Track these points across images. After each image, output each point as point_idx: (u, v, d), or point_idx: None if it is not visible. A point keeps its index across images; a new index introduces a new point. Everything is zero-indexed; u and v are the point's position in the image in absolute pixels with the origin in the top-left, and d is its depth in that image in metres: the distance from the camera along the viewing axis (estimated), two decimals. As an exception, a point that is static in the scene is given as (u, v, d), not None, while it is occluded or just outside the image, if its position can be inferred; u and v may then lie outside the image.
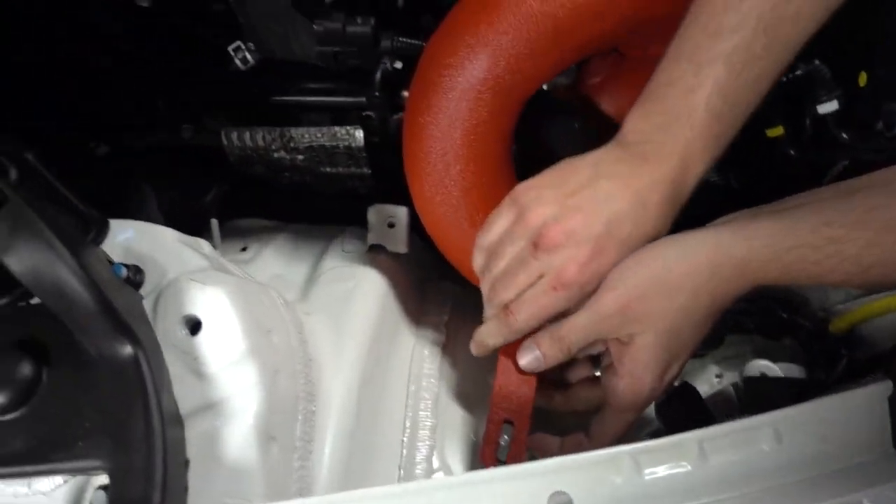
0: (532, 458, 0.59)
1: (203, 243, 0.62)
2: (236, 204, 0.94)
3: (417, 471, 0.63)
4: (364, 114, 0.82)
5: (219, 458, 0.50)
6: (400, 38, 0.70)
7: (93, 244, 0.55)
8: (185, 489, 0.48)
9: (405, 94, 0.80)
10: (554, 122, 0.79)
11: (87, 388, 0.48)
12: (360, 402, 0.62)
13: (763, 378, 0.71)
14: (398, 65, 0.74)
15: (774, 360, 0.83)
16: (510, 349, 0.61)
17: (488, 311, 0.62)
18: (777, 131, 0.85)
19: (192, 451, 0.49)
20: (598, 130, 0.82)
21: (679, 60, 0.56)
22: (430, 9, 0.81)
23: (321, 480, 0.57)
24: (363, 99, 0.79)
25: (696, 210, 0.83)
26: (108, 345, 0.47)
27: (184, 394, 0.50)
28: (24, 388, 0.47)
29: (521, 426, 0.61)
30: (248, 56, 0.75)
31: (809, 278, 0.53)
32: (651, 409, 0.69)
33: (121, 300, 0.49)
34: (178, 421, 0.49)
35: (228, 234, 0.82)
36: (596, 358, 0.62)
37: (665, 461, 0.49)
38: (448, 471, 0.64)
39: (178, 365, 0.51)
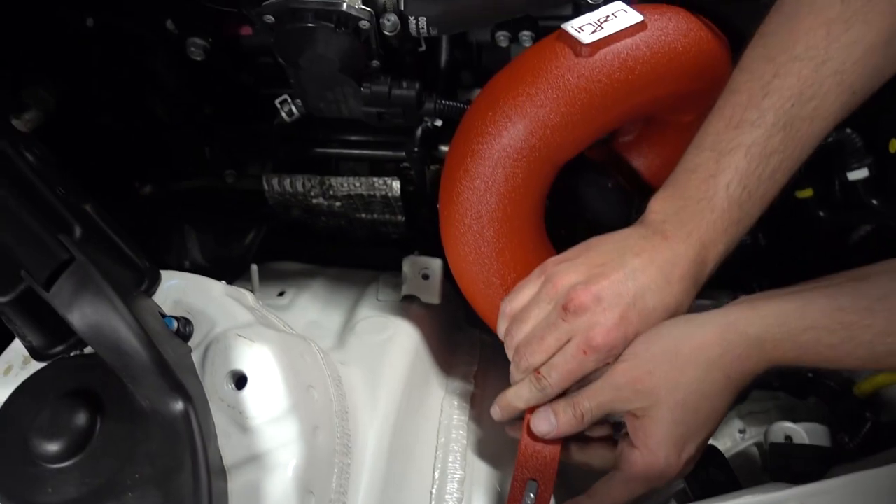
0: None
1: (247, 295, 0.64)
2: (273, 247, 0.96)
3: (445, 523, 0.64)
4: (402, 165, 0.85)
5: (259, 511, 0.51)
6: (443, 101, 0.72)
7: (146, 296, 0.58)
8: (227, 541, 0.50)
9: (443, 147, 0.83)
10: (586, 180, 0.81)
11: (138, 439, 0.50)
12: (391, 454, 0.64)
13: (789, 445, 0.71)
14: (438, 123, 0.77)
15: (798, 418, 0.84)
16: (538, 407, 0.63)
17: (515, 375, 0.64)
18: (807, 193, 0.86)
19: (234, 502, 0.51)
20: (628, 188, 0.84)
21: (702, 149, 0.59)
22: (469, 66, 0.84)
23: (353, 532, 0.58)
24: (402, 153, 0.81)
25: (724, 267, 0.85)
26: (161, 400, 0.49)
27: (228, 446, 0.52)
28: (79, 437, 0.50)
29: (546, 485, 0.62)
30: (294, 109, 0.78)
31: (826, 361, 0.54)
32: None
33: (171, 353, 0.52)
34: (222, 473, 0.51)
35: (266, 276, 0.85)
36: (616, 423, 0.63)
37: (692, 532, 0.50)
38: (475, 524, 0.65)
39: (224, 418, 0.53)
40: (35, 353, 0.56)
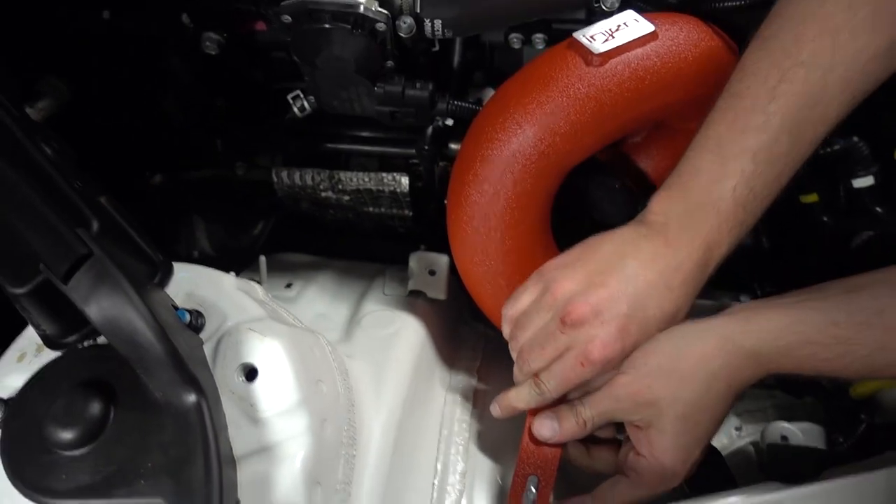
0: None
1: (257, 288, 0.65)
2: (281, 237, 0.98)
3: (447, 514, 0.66)
4: (411, 162, 0.86)
5: (268, 500, 0.53)
6: (455, 102, 0.73)
7: (159, 288, 0.59)
8: (236, 529, 0.51)
9: (452, 145, 0.83)
10: (593, 180, 0.82)
11: (151, 429, 0.51)
12: (395, 446, 0.65)
13: (785, 446, 0.72)
14: (449, 122, 0.78)
15: (794, 417, 0.85)
16: (541, 409, 0.64)
17: (518, 376, 0.65)
18: (811, 198, 0.87)
19: (244, 492, 0.52)
20: (635, 189, 0.85)
21: (705, 150, 0.59)
22: (481, 66, 0.85)
23: (358, 522, 0.60)
24: (412, 150, 0.82)
25: (727, 269, 0.86)
26: (174, 392, 0.50)
27: (238, 437, 0.53)
28: (93, 426, 0.51)
29: (547, 481, 0.64)
30: (306, 105, 0.79)
31: (823, 372, 0.56)
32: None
33: (184, 345, 0.53)
34: (232, 463, 0.53)
35: (273, 267, 0.86)
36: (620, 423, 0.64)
37: (688, 532, 0.51)
38: (476, 517, 0.67)
39: (234, 409, 0.54)
40: (48, 342, 0.57)
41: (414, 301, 0.80)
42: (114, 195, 0.65)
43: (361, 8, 0.65)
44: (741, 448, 0.79)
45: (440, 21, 0.67)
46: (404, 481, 0.66)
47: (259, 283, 0.82)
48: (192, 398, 0.50)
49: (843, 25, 0.55)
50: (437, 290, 0.80)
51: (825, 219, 0.87)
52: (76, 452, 0.51)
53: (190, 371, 0.51)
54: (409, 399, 0.69)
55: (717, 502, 0.58)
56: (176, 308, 0.57)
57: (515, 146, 0.65)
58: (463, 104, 0.74)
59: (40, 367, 0.57)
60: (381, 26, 0.66)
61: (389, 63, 0.71)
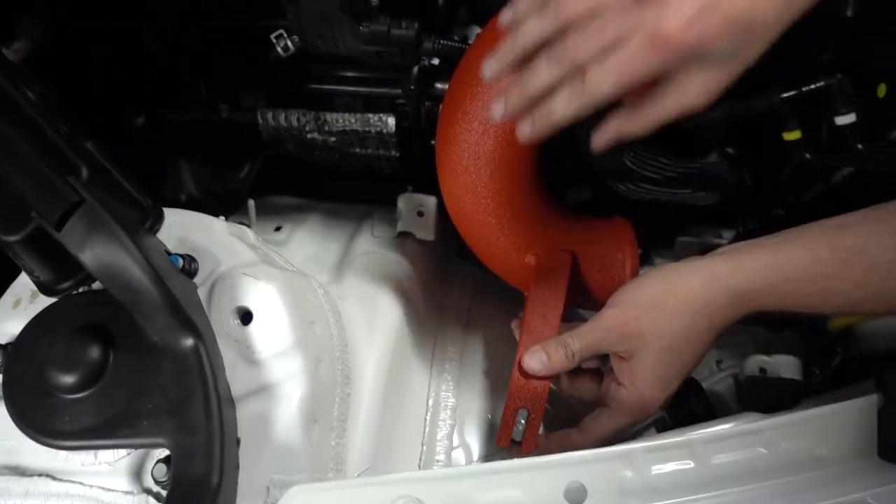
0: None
1: (248, 232, 0.66)
2: (267, 179, 0.97)
3: (438, 447, 0.68)
4: (397, 102, 0.85)
5: (267, 438, 0.54)
6: (441, 41, 0.72)
7: (151, 233, 0.59)
8: (237, 466, 0.53)
9: (438, 85, 0.83)
10: (578, 120, 0.82)
11: (150, 372, 0.52)
12: (388, 384, 0.67)
13: (763, 378, 0.75)
14: (435, 61, 0.77)
15: (773, 351, 0.88)
16: (531, 343, 0.66)
17: (545, 72, 0.52)
18: (794, 135, 0.88)
19: (243, 431, 0.54)
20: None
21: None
22: (466, 3, 0.83)
23: (353, 456, 0.62)
24: (398, 90, 0.81)
25: (712, 206, 0.87)
26: (171, 335, 0.51)
27: (235, 378, 0.55)
28: (93, 370, 0.52)
29: (536, 413, 0.66)
30: (290, 44, 0.78)
31: (805, 308, 0.58)
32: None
33: (179, 290, 0.54)
34: (231, 403, 0.54)
35: (262, 211, 0.86)
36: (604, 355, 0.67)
37: (671, 459, 0.53)
38: (467, 448, 0.69)
39: (231, 352, 0.55)
40: (43, 288, 0.58)
41: (403, 242, 0.80)
42: (97, 137, 0.64)
43: (346, -56, 0.64)
44: (721, 381, 0.82)
45: (424, -43, 0.65)
46: (397, 417, 0.68)
47: (248, 226, 0.83)
48: (189, 341, 0.52)
49: None
50: (426, 230, 0.81)
51: (807, 155, 0.89)
52: (78, 395, 0.52)
53: (186, 315, 0.52)
54: (400, 338, 0.70)
55: (697, 433, 0.60)
56: (169, 253, 0.58)
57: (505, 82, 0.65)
58: (449, 43, 0.73)
59: (36, 312, 0.57)
60: (365, -37, 0.65)
61: (374, 1, 0.70)
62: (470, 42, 0.87)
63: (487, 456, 0.69)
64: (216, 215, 0.70)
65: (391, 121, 0.85)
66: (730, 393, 0.80)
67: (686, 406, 0.69)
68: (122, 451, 0.54)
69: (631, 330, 0.60)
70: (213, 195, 0.92)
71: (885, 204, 0.58)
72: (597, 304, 0.81)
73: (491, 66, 0.55)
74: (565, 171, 0.93)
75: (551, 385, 0.67)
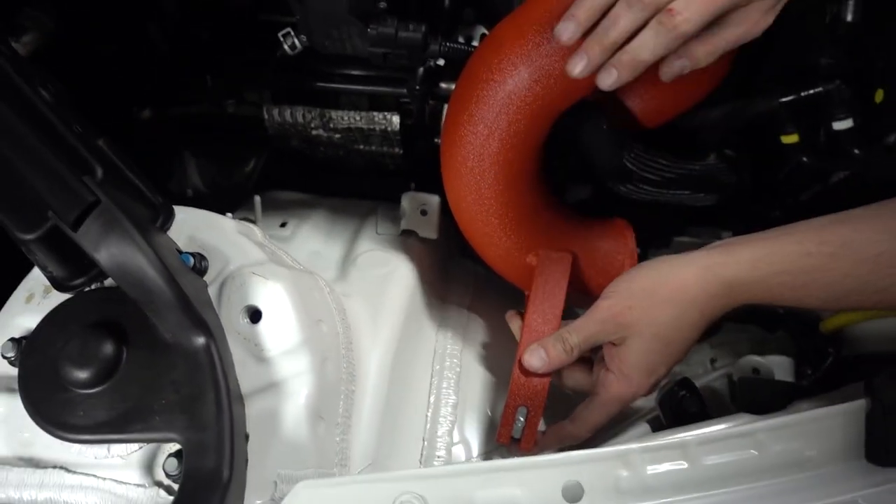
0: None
1: (256, 230, 0.67)
2: (272, 174, 0.98)
3: (439, 443, 0.70)
4: (402, 100, 0.86)
5: (274, 434, 0.56)
6: (448, 44, 0.74)
7: (162, 231, 0.60)
8: (246, 461, 0.55)
9: (443, 85, 0.84)
10: (581, 121, 0.83)
11: (162, 368, 0.54)
12: (391, 381, 0.69)
13: (756, 379, 0.77)
14: (441, 62, 0.78)
15: (766, 351, 0.90)
16: (531, 341, 0.68)
17: (626, 14, 0.56)
18: (792, 139, 0.89)
19: (252, 427, 0.55)
20: (622, 130, 0.86)
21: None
22: (472, 3, 0.84)
23: (356, 451, 0.64)
24: (403, 90, 0.83)
25: (710, 208, 0.89)
26: (184, 333, 0.53)
27: (245, 375, 0.56)
28: (107, 366, 0.53)
29: (536, 411, 0.68)
30: (297, 42, 0.79)
31: (792, 301, 0.60)
32: (651, 399, 0.77)
33: (190, 288, 0.55)
34: (240, 400, 0.56)
35: (267, 206, 0.88)
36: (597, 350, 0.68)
37: (666, 459, 0.55)
38: (467, 445, 0.71)
39: (240, 349, 0.57)
40: (56, 284, 0.59)
41: (406, 240, 0.82)
42: (103, 130, 0.65)
43: (354, -55, 0.65)
44: (715, 380, 0.83)
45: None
46: (400, 413, 0.70)
47: (254, 222, 0.84)
48: (201, 340, 0.53)
49: None
50: (429, 229, 0.82)
51: (805, 159, 0.90)
52: (92, 391, 0.53)
53: (198, 314, 0.53)
54: (403, 336, 0.72)
55: (691, 434, 0.62)
56: (180, 252, 0.59)
57: (511, 87, 0.66)
58: (456, 46, 0.74)
59: (49, 308, 0.59)
60: (373, -36, 0.66)
61: (382, 3, 0.71)
62: (475, 43, 0.88)
63: (487, 452, 0.71)
64: (222, 210, 0.71)
65: (396, 119, 0.86)
66: (724, 394, 0.81)
67: (680, 406, 0.70)
68: (135, 445, 0.56)
69: (624, 319, 0.62)
70: (218, 189, 0.93)
71: (874, 204, 0.61)
72: (595, 304, 0.83)
73: (569, 28, 0.59)
74: (567, 170, 0.94)
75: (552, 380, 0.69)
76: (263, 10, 0.82)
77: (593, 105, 0.86)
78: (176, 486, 0.53)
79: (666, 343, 0.63)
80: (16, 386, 0.56)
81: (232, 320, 0.58)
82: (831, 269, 0.57)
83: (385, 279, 0.75)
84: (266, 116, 0.89)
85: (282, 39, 0.79)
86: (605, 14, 0.57)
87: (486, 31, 0.88)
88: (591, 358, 0.69)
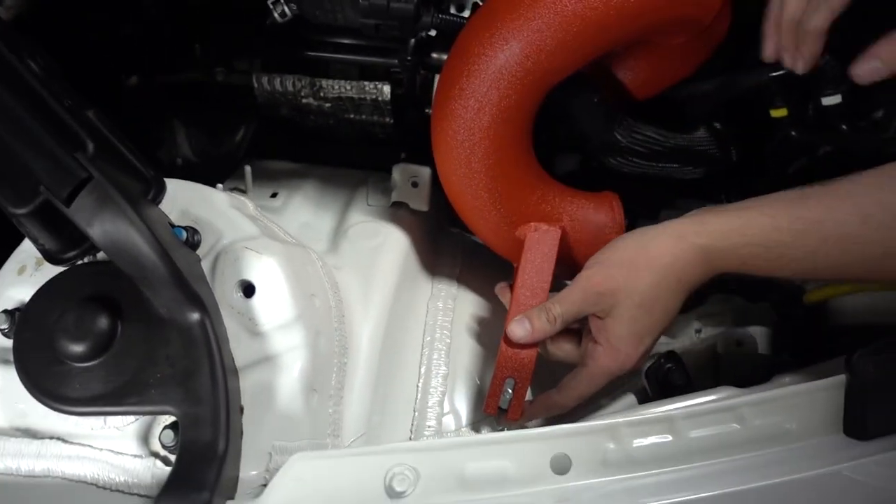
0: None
1: (248, 203, 0.67)
2: (261, 142, 0.98)
3: (429, 413, 0.71)
4: (392, 70, 0.85)
5: (269, 407, 0.57)
6: (440, 15, 0.73)
7: (154, 205, 0.60)
8: (241, 433, 0.56)
9: (434, 55, 0.83)
10: (572, 93, 0.83)
11: (157, 342, 0.54)
12: (383, 353, 0.70)
13: (739, 353, 0.79)
14: (433, 32, 0.77)
15: (750, 321, 0.92)
16: (520, 312, 0.69)
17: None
18: (781, 112, 0.90)
19: (246, 399, 0.56)
20: (613, 102, 0.86)
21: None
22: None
23: (349, 422, 0.65)
24: (395, 60, 0.82)
25: (697, 180, 0.89)
26: (178, 309, 0.53)
27: (239, 349, 0.57)
28: (102, 340, 0.54)
29: (523, 382, 0.69)
30: (287, 10, 0.78)
31: (764, 271, 0.62)
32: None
33: (183, 262, 0.56)
34: (235, 373, 0.57)
35: (257, 176, 0.87)
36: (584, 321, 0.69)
37: (652, 433, 0.57)
38: (456, 415, 0.72)
39: (234, 323, 0.58)
40: (49, 257, 0.59)
41: (397, 212, 0.82)
42: (90, 97, 0.65)
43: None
44: (700, 352, 0.85)
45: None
46: (391, 384, 0.71)
47: (244, 192, 0.84)
48: (195, 315, 0.54)
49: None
50: (420, 201, 0.82)
51: (793, 133, 0.91)
52: (88, 364, 0.54)
53: (192, 289, 0.54)
54: (394, 308, 0.73)
55: (676, 407, 0.64)
56: (173, 226, 0.59)
57: (502, 61, 0.66)
58: (448, 17, 0.74)
59: (41, 280, 0.59)
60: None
61: (374, -26, 0.70)
62: (467, 12, 0.87)
63: (476, 422, 0.72)
64: (212, 179, 0.71)
65: (386, 89, 0.86)
66: (708, 365, 0.83)
67: (666, 378, 0.72)
68: (131, 417, 0.56)
69: (605, 288, 0.64)
70: (208, 158, 0.93)
71: (847, 177, 0.61)
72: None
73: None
74: (556, 142, 0.95)
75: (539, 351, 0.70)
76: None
77: (584, 78, 0.86)
78: (172, 457, 0.54)
79: (648, 311, 0.64)
80: (10, 357, 0.56)
81: (226, 295, 0.58)
82: (799, 245, 0.59)
83: (376, 251, 0.75)
84: (256, 85, 0.88)
85: (271, 7, 0.78)
86: None
87: (477, 1, 0.88)
88: (579, 329, 0.70)
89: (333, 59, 0.85)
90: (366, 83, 0.86)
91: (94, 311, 0.54)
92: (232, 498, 0.53)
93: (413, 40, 0.78)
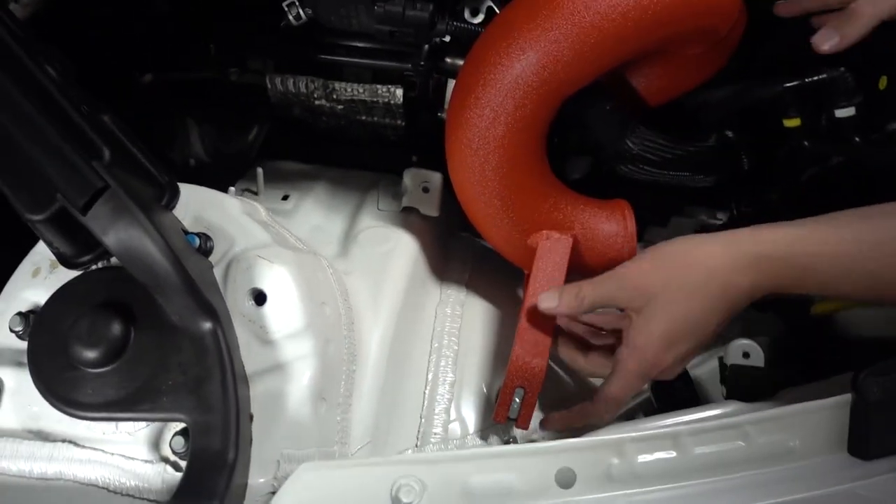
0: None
1: (260, 209, 0.68)
2: (272, 141, 0.98)
3: (436, 421, 0.72)
4: (406, 74, 0.86)
5: (278, 415, 0.58)
6: (455, 23, 0.73)
7: (167, 210, 0.61)
8: (250, 441, 0.56)
9: (448, 60, 0.83)
10: (586, 102, 0.83)
11: (169, 349, 0.55)
12: (391, 360, 0.70)
13: (745, 367, 0.79)
14: (447, 38, 0.77)
15: (756, 331, 0.92)
16: (532, 321, 0.69)
17: None
18: (794, 122, 0.89)
19: (256, 407, 0.57)
20: (626, 110, 0.86)
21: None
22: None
23: (356, 429, 0.65)
24: (408, 65, 0.82)
25: (708, 188, 0.89)
26: (190, 317, 0.54)
27: (249, 357, 0.58)
28: (116, 346, 0.55)
29: (532, 392, 0.70)
30: (302, 13, 0.78)
31: (816, 287, 0.59)
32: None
33: (196, 270, 0.56)
34: (245, 381, 0.57)
35: (269, 177, 0.88)
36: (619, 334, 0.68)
37: (656, 449, 0.57)
38: (463, 423, 0.73)
39: (245, 331, 0.58)
40: (63, 260, 0.60)
41: (407, 217, 0.82)
42: (105, 94, 0.65)
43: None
44: (707, 363, 0.85)
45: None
46: (398, 391, 0.71)
47: (256, 193, 0.84)
48: (208, 325, 0.54)
49: None
50: (431, 207, 0.83)
51: (805, 143, 0.90)
52: (101, 370, 0.55)
53: (205, 298, 0.54)
54: (403, 315, 0.73)
55: (682, 422, 0.64)
56: (186, 232, 0.60)
57: (518, 72, 0.66)
58: (463, 25, 0.74)
59: (56, 282, 0.60)
60: (381, -59, 0.65)
61: (390, -19, 0.70)
62: (481, 15, 0.87)
63: (483, 430, 0.73)
64: (224, 179, 0.71)
65: (399, 92, 0.86)
66: (715, 377, 0.83)
67: (672, 391, 0.72)
68: (142, 423, 0.57)
69: (641, 283, 0.61)
70: (221, 157, 0.93)
71: None
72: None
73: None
74: (568, 146, 0.95)
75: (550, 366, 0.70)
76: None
77: (597, 85, 0.85)
78: (183, 463, 0.55)
79: (683, 314, 0.61)
80: (24, 360, 0.57)
81: (237, 302, 0.59)
82: (860, 263, 0.56)
83: (386, 257, 0.76)
84: (269, 85, 0.89)
85: (286, 9, 0.78)
86: None
87: (492, 4, 0.87)
88: (613, 346, 0.69)
89: (347, 62, 0.85)
90: (379, 86, 0.86)
91: (107, 317, 0.55)
92: (241, 505, 0.54)
93: (427, 46, 0.78)
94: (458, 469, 0.54)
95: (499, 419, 0.70)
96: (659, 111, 0.91)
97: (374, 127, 0.94)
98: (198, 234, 0.60)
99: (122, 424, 0.57)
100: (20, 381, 0.58)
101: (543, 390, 0.70)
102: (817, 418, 0.59)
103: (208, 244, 0.61)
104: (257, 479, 0.55)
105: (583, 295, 0.65)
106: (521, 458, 0.56)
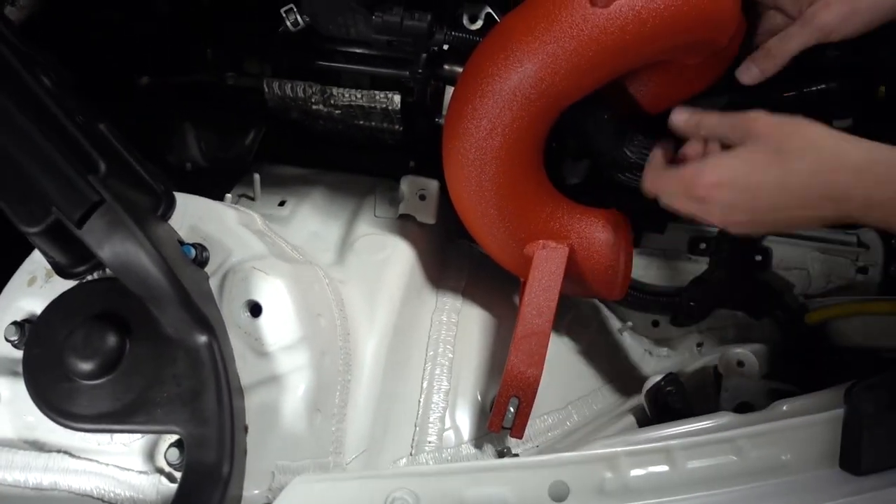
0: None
1: (256, 219, 0.68)
2: (270, 145, 0.98)
3: (430, 429, 0.72)
4: (404, 80, 0.85)
5: (273, 427, 0.58)
6: (453, 33, 0.73)
7: (163, 221, 0.61)
8: (245, 452, 0.56)
9: (446, 66, 0.83)
10: (584, 111, 0.83)
11: (164, 361, 0.55)
12: (386, 369, 0.70)
13: (740, 376, 0.79)
14: (444, 47, 0.77)
15: (752, 337, 0.92)
16: (527, 331, 0.70)
17: None
18: (792, 131, 0.90)
19: (251, 419, 0.57)
20: (624, 119, 0.86)
21: None
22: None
23: (351, 439, 0.66)
24: (406, 72, 0.82)
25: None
26: (186, 330, 0.54)
27: (244, 369, 0.58)
28: (111, 358, 0.55)
29: (527, 402, 0.70)
30: (299, 19, 0.78)
31: None
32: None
33: (191, 281, 0.56)
34: (240, 393, 0.57)
35: (265, 182, 0.88)
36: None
37: (649, 463, 0.58)
38: (458, 431, 0.73)
39: (240, 343, 0.58)
40: (59, 270, 0.60)
41: (404, 224, 0.82)
42: (102, 97, 0.65)
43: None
44: (701, 368, 0.86)
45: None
46: (393, 400, 0.71)
47: (253, 199, 0.84)
48: (203, 338, 0.54)
49: None
50: (427, 214, 0.83)
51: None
52: (96, 382, 0.55)
53: (200, 312, 0.54)
54: (398, 323, 0.73)
55: (674, 436, 0.64)
56: (182, 243, 0.60)
57: (515, 83, 0.66)
58: (461, 35, 0.74)
59: (51, 292, 0.60)
60: (379, -49, 0.65)
61: (388, -9, 0.70)
62: (480, 21, 0.87)
63: (477, 439, 0.73)
64: (222, 182, 0.70)
65: (397, 98, 0.86)
66: (708, 384, 0.84)
67: (666, 402, 0.73)
68: (137, 434, 0.57)
69: (752, 130, 0.61)
70: (218, 162, 0.93)
71: None
72: (589, 293, 0.84)
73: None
74: (564, 151, 0.95)
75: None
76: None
77: (595, 93, 0.85)
78: (177, 475, 0.55)
79: (763, 172, 0.59)
80: (19, 369, 0.57)
81: (233, 314, 0.59)
82: None
83: (382, 265, 0.76)
84: (266, 89, 0.88)
85: (284, 16, 0.78)
86: None
87: (490, 11, 0.87)
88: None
89: (345, 69, 0.85)
90: (376, 92, 0.85)
91: (102, 329, 0.55)
92: (235, 517, 0.54)
93: (425, 54, 0.78)
94: (451, 482, 0.54)
95: (493, 428, 0.70)
96: (657, 119, 0.91)
97: (372, 131, 0.94)
98: (194, 245, 0.60)
99: (116, 435, 0.57)
100: (15, 391, 0.58)
101: (538, 400, 0.71)
102: (810, 432, 0.60)
103: (204, 255, 0.61)
104: (252, 490, 0.56)
105: (704, 122, 0.66)
106: (514, 471, 0.56)
